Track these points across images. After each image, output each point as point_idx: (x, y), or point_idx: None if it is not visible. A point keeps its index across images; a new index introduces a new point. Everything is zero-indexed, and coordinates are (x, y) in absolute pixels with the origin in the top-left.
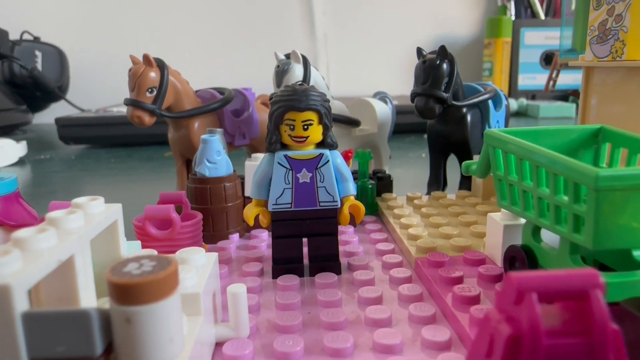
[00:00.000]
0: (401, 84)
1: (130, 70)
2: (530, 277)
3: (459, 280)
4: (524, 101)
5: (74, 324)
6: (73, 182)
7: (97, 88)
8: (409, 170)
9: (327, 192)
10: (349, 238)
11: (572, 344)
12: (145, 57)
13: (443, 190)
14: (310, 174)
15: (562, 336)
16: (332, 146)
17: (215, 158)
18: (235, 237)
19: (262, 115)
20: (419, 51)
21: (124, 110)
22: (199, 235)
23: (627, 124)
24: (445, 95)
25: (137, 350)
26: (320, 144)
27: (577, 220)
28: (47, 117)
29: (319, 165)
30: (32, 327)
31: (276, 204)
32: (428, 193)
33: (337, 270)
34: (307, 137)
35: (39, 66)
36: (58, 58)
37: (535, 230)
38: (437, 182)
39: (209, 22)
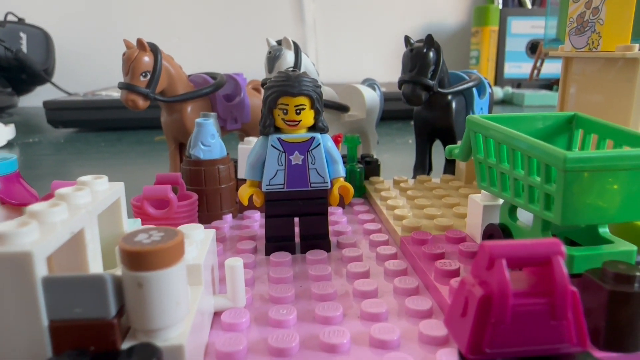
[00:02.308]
0: (389, 70)
1: (124, 54)
2: (500, 245)
3: (441, 256)
4: (509, 89)
5: (91, 287)
6: (64, 165)
7: (83, 71)
8: (396, 155)
9: (318, 173)
10: (337, 218)
11: (536, 303)
12: (139, 42)
13: (428, 174)
14: (302, 156)
15: (527, 297)
16: (323, 130)
17: (209, 141)
18: (228, 217)
19: (253, 100)
20: (407, 39)
21: (112, 94)
22: (194, 214)
23: (604, 112)
24: (431, 82)
25: (147, 312)
26: (312, 128)
27: (548, 199)
28: (32, 100)
29: (311, 148)
30: (52, 290)
31: (269, 185)
32: (414, 177)
33: (327, 247)
34: (299, 121)
35: (24, 48)
36: (44, 40)
37: (512, 210)
38: (422, 166)
39: (198, 6)
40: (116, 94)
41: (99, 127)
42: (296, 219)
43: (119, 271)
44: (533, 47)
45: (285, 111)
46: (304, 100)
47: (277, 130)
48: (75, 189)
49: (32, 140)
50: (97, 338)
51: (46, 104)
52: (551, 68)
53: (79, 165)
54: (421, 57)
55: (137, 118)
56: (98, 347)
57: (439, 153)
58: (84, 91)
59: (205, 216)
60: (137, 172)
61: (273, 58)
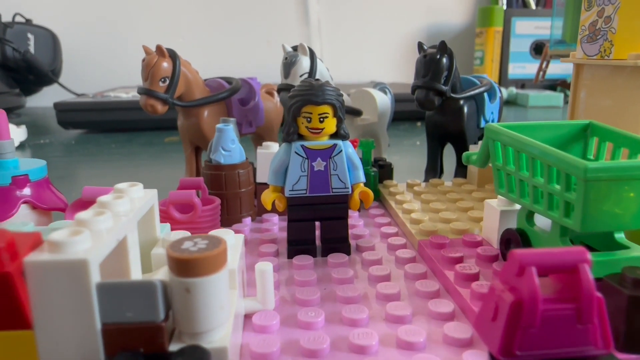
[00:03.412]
0: (393, 71)
1: (143, 60)
2: (530, 253)
3: (460, 260)
4: (513, 90)
5: (142, 293)
6: (77, 167)
7: (90, 72)
8: (404, 157)
9: (339, 179)
10: (354, 222)
11: (563, 308)
12: (158, 48)
13: (439, 177)
14: (325, 163)
15: (555, 302)
16: (345, 137)
17: (229, 146)
18: (247, 220)
19: (266, 103)
20: (420, 45)
21: (121, 95)
22: (217, 219)
23: (615, 118)
24: (444, 88)
25: (194, 315)
26: (334, 135)
27: (568, 206)
28: (39, 100)
29: (333, 155)
30: (105, 296)
31: (292, 190)
32: (426, 180)
33: (347, 251)
34: (322, 129)
35: (32, 49)
36: (51, 41)
37: (529, 215)
38: (434, 169)
39: (202, 6)
40: (125, 95)
41: (109, 128)
42: (317, 223)
43: (156, 275)
44: (537, 48)
45: (309, 119)
46: (327, 109)
47: (300, 137)
48: (114, 196)
49: (43, 141)
50: (146, 340)
51: (57, 106)
52: (555, 69)
53: (92, 167)
54: (434, 63)
55: (146, 119)
56: (147, 349)
57: (449, 156)
58: (90, 92)
59: (226, 219)
60: (150, 175)
61: (289, 64)
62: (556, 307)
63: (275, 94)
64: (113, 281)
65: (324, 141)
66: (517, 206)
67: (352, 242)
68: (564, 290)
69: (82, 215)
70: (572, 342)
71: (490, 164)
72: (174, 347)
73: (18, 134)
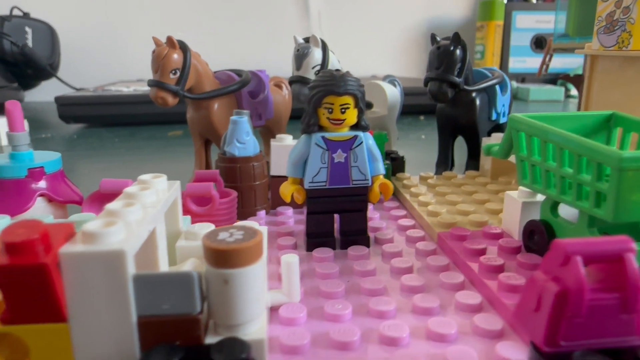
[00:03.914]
0: (394, 65)
1: (153, 52)
2: (575, 243)
3: (483, 252)
4: (514, 84)
5: (179, 285)
6: (81, 162)
7: (88, 66)
8: (410, 151)
9: (359, 171)
10: (370, 215)
11: (608, 298)
12: (169, 39)
13: (450, 170)
14: (345, 154)
15: (600, 292)
16: (366, 128)
17: (244, 138)
18: (262, 213)
19: (275, 96)
20: (433, 37)
21: (122, 89)
22: (234, 211)
23: (631, 110)
24: (457, 80)
25: (231, 307)
26: (354, 126)
27: (599, 196)
28: (37, 95)
29: (354, 146)
30: (141, 287)
31: (312, 182)
32: (437, 173)
33: (366, 243)
34: (344, 120)
35: (30, 43)
36: (49, 35)
37: (554, 206)
38: (445, 162)
39: (201, 0)
40: (126, 89)
41: (110, 122)
42: (335, 215)
43: (183, 268)
44: (537, 42)
45: (330, 110)
46: (348, 100)
47: (320, 128)
48: (141, 188)
49: (45, 135)
50: (182, 333)
51: (58, 100)
52: (556, 63)
53: (97, 161)
54: (448, 54)
55: (148, 113)
56: (183, 342)
57: (457, 149)
58: (88, 86)
59: (240, 212)
60: (157, 169)
61: (301, 55)
62: (601, 297)
63: (284, 86)
64: (149, 273)
65: (344, 132)
66: (539, 198)
67: (371, 235)
68: (608, 280)
69: (112, 206)
70: (616, 332)
71: (511, 155)
72: (209, 339)
73: None
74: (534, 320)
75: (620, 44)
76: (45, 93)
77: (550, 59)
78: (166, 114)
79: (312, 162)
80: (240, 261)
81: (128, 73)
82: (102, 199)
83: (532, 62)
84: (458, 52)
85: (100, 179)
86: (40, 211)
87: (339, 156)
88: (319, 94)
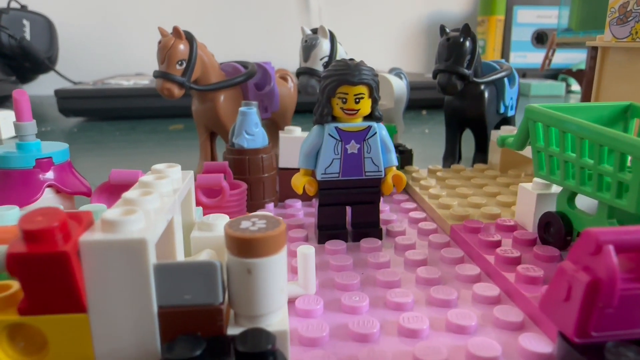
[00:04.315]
0: (395, 59)
1: (159, 42)
2: (607, 232)
3: (498, 244)
4: None
5: (202, 274)
6: (83, 155)
7: (87, 60)
8: (414, 145)
9: (373, 162)
10: (381, 207)
11: None
12: (175, 30)
13: (458, 163)
14: (359, 145)
15: (632, 282)
16: (379, 119)
17: (253, 130)
18: (270, 206)
19: (281, 89)
20: (443, 29)
21: (122, 82)
22: (244, 203)
23: (634, 100)
24: (467, 72)
25: (254, 298)
26: (368, 117)
27: (621, 187)
28: (35, 88)
29: (367, 137)
30: (163, 277)
31: (325, 174)
32: (444, 166)
33: (379, 235)
34: (358, 110)
35: (28, 36)
36: (47, 28)
37: (571, 198)
38: (452, 155)
39: None
40: (126, 82)
41: (110, 116)
42: (347, 208)
43: (199, 258)
44: (539, 37)
45: (344, 100)
46: (363, 89)
47: (333, 119)
48: (157, 177)
49: (45, 129)
50: (204, 324)
51: (58, 93)
52: (557, 58)
53: (99, 154)
54: (457, 46)
55: (149, 107)
56: (205, 333)
57: (465, 142)
58: (86, 80)
59: (249, 205)
60: (160, 161)
61: (309, 47)
62: (632, 287)
63: (290, 79)
64: (171, 262)
65: (358, 123)
66: (554, 189)
67: (383, 227)
68: (638, 269)
69: (130, 194)
70: None
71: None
72: (231, 330)
73: None
74: (563, 310)
75: (634, 35)
76: (43, 86)
77: (553, 54)
78: (167, 107)
79: (325, 153)
80: (264, 250)
81: (127, 67)
82: (110, 190)
83: (533, 57)
84: (468, 44)
85: (103, 172)
86: (48, 202)
87: (352, 147)
88: (332, 83)
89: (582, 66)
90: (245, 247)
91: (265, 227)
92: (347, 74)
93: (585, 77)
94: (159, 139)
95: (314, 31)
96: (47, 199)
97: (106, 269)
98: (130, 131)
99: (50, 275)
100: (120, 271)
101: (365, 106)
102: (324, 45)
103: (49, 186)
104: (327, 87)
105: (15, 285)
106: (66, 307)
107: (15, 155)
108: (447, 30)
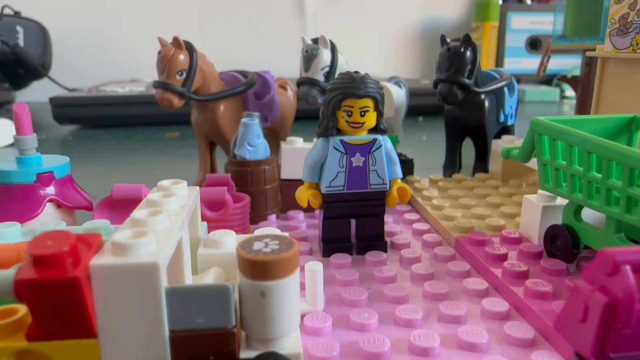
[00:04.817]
0: (390, 65)
1: (159, 52)
2: (624, 251)
3: (505, 257)
4: None
5: (215, 298)
6: (79, 164)
7: (81, 66)
8: (413, 153)
9: (378, 175)
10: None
11: None
12: (175, 40)
13: (458, 172)
14: (364, 158)
15: None
16: (384, 131)
17: (255, 141)
18: (272, 218)
19: (280, 98)
20: (443, 38)
21: (117, 89)
22: (247, 216)
23: (635, 111)
24: (468, 82)
25: (268, 321)
26: (373, 130)
27: (629, 202)
28: (29, 95)
29: (372, 150)
30: (175, 301)
31: (330, 187)
32: (445, 175)
33: (383, 248)
34: (363, 123)
35: (21, 42)
36: (40, 34)
37: (577, 211)
38: (452, 165)
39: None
40: (121, 89)
41: (105, 123)
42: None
43: (206, 277)
44: (532, 43)
45: (349, 113)
46: (368, 102)
47: (338, 132)
48: (163, 195)
49: (39, 137)
50: (217, 348)
51: (52, 100)
52: (551, 64)
53: (96, 163)
54: (458, 56)
55: (144, 114)
56: (217, 357)
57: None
58: (81, 86)
59: (251, 217)
60: (157, 171)
61: (310, 57)
62: None
63: (289, 88)
64: (183, 286)
65: (363, 136)
66: (559, 202)
67: (387, 240)
68: None
69: (138, 214)
70: None
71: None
72: (244, 354)
73: (13, 129)
74: (579, 331)
75: (635, 47)
76: (36, 93)
77: (548, 60)
78: (162, 115)
79: (330, 166)
80: (278, 272)
81: (121, 73)
82: (112, 204)
83: (527, 63)
84: (468, 53)
85: (101, 183)
86: (49, 217)
87: (358, 160)
88: (338, 96)
89: (577, 72)
90: (258, 269)
91: (279, 249)
92: (352, 87)
93: (580, 83)
94: (155, 147)
95: (315, 41)
96: (48, 214)
97: (117, 294)
98: (127, 139)
99: (60, 300)
100: (131, 295)
101: (371, 119)
102: (325, 55)
103: (49, 201)
104: (333, 100)
105: (21, 309)
106: (76, 332)
107: (15, 170)
108: (448, 40)
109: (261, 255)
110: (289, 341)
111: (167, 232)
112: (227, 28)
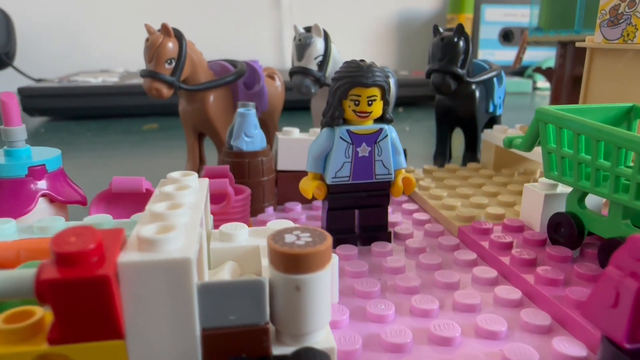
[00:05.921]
0: (364, 56)
1: (147, 40)
2: None
3: (511, 245)
4: None
5: (248, 293)
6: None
7: (47, 55)
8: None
9: (383, 165)
10: None
11: None
12: (164, 27)
13: (448, 162)
14: (369, 148)
15: None
16: (390, 121)
17: (252, 132)
18: (270, 210)
19: (269, 88)
20: (436, 28)
21: (89, 79)
22: (248, 209)
23: (622, 102)
24: (461, 72)
25: (302, 315)
26: (379, 119)
27: (639, 188)
28: None
29: (379, 140)
30: (208, 297)
31: (335, 177)
32: (435, 165)
33: (387, 239)
34: (370, 112)
35: None
36: (4, 22)
37: (581, 198)
38: (443, 154)
39: None
40: (94, 79)
41: (78, 115)
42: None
43: (222, 272)
44: (505, 35)
45: (356, 102)
46: (375, 91)
47: (344, 121)
48: (177, 187)
49: None
50: (250, 345)
51: (22, 91)
52: (525, 56)
53: (75, 156)
54: (451, 46)
55: (119, 106)
56: (250, 354)
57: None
58: (47, 76)
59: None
60: (142, 165)
61: (303, 46)
62: None
63: (277, 77)
64: (216, 281)
65: (370, 125)
66: (560, 190)
67: (390, 230)
68: None
69: (156, 208)
70: None
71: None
72: (276, 350)
73: None
74: (610, 317)
75: (625, 37)
76: (1, 84)
77: (524, 52)
78: (138, 106)
79: (336, 156)
80: (313, 266)
81: (90, 63)
82: (109, 198)
83: (500, 55)
84: (461, 44)
85: (84, 177)
86: (41, 213)
87: (363, 150)
88: (345, 85)
89: (551, 63)
90: (293, 263)
91: (312, 241)
92: (360, 75)
93: (554, 74)
94: (135, 139)
95: (308, 29)
96: (41, 209)
97: (146, 292)
98: (103, 131)
99: (87, 301)
100: (161, 293)
101: (378, 108)
102: (318, 44)
103: (42, 195)
104: (339, 89)
105: (38, 311)
106: (102, 334)
107: (5, 163)
108: (441, 30)
109: (296, 248)
110: (321, 335)
111: (190, 226)
112: (200, 17)
